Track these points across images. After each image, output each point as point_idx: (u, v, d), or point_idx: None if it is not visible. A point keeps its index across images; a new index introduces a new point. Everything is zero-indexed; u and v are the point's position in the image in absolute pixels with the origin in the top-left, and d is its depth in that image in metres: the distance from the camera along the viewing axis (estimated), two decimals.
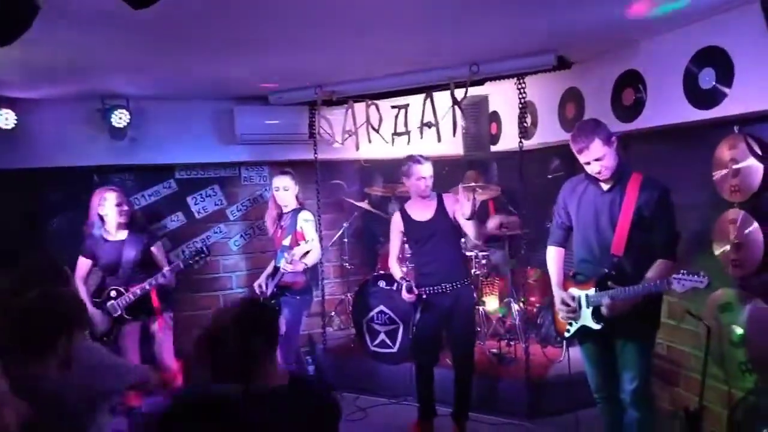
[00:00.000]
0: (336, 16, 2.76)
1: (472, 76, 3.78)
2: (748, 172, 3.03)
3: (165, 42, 3.06)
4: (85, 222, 3.95)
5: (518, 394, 4.18)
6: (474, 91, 4.17)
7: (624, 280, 2.81)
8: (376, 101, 4.30)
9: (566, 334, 3.10)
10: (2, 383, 1.57)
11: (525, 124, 4.12)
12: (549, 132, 4.35)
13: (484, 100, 4.96)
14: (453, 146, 4.56)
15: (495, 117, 4.98)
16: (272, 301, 4.06)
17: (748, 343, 3.10)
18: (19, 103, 4.26)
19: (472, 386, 3.85)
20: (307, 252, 3.87)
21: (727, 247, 3.17)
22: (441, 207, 3.74)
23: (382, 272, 4.84)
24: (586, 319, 2.94)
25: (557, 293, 3.07)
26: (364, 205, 5.29)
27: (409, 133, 4.27)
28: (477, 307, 4.54)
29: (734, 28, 2.82)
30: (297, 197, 4.16)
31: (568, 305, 2.98)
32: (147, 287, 3.79)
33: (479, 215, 3.93)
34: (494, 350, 4.57)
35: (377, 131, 4.32)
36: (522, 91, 4.05)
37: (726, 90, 2.90)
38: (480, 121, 4.92)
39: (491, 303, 4.99)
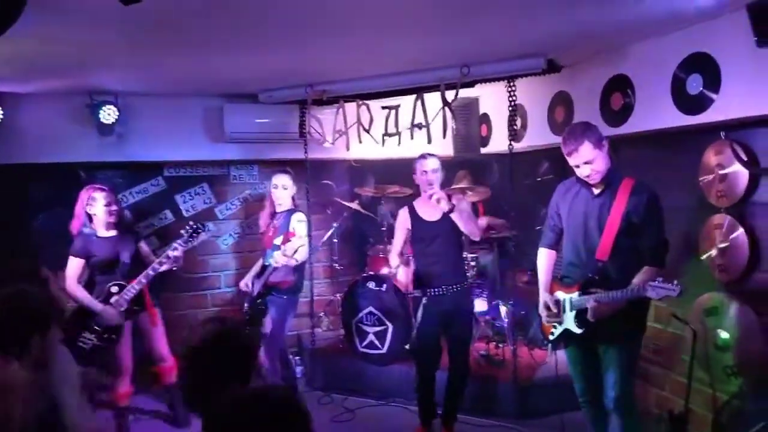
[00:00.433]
0: (327, 16, 2.75)
1: (463, 78, 3.79)
2: (734, 178, 3.06)
3: (154, 39, 3.04)
4: (70, 220, 3.88)
5: (506, 395, 4.19)
6: (465, 93, 4.19)
7: (608, 285, 2.80)
8: (366, 101, 4.30)
9: (550, 337, 3.11)
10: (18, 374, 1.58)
11: (515, 127, 4.14)
12: (538, 135, 4.37)
13: (474, 102, 4.97)
14: (443, 147, 4.56)
15: (485, 119, 4.99)
16: (258, 301, 4.05)
17: (736, 347, 3.13)
18: (5, 97, 4.22)
19: (464, 390, 3.86)
20: (297, 248, 3.86)
21: (713, 252, 3.20)
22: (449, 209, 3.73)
23: (371, 273, 4.83)
24: (569, 322, 2.95)
25: (542, 296, 3.08)
26: (354, 205, 5.29)
27: (399, 133, 4.27)
28: (473, 310, 4.55)
29: (721, 34, 2.85)
30: (293, 198, 4.15)
31: (549, 309, 3.00)
32: (151, 273, 3.73)
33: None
34: (483, 352, 4.58)
35: (368, 131, 4.32)
36: (512, 93, 4.07)
37: (713, 96, 2.93)
38: (470, 123, 4.93)
39: (480, 305, 5.00)
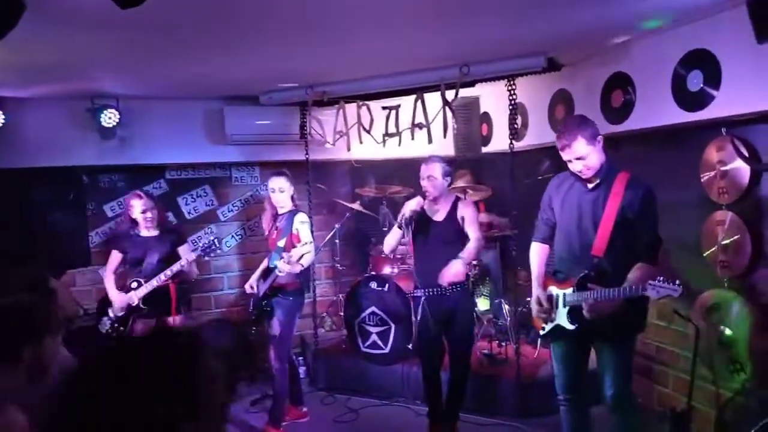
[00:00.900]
0: (327, 17, 2.75)
1: (463, 78, 3.78)
2: (735, 174, 3.06)
3: (154, 42, 3.05)
4: (72, 223, 4.11)
5: (509, 394, 4.19)
6: (465, 92, 4.18)
7: (603, 282, 2.76)
8: (367, 102, 4.30)
9: (541, 332, 3.07)
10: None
11: (515, 126, 4.13)
12: (539, 133, 4.37)
13: (475, 102, 4.97)
14: (444, 147, 4.56)
15: (486, 118, 4.99)
16: (264, 302, 4.05)
17: (739, 343, 3.12)
18: (7, 102, 4.23)
19: (466, 389, 3.85)
20: (303, 254, 3.87)
21: (715, 249, 3.20)
22: (453, 210, 3.74)
23: (373, 273, 4.84)
24: (561, 318, 2.91)
25: (536, 291, 3.03)
26: (356, 206, 5.29)
27: (400, 134, 4.27)
28: (474, 311, 4.55)
29: (722, 31, 2.84)
30: (293, 198, 4.15)
31: (541, 305, 2.96)
32: (163, 277, 3.90)
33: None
34: (485, 351, 4.58)
35: (368, 132, 4.32)
36: (512, 92, 4.06)
37: (714, 92, 2.92)
38: (471, 123, 4.93)
39: (482, 304, 5.01)
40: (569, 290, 2.88)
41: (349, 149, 4.46)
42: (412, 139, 4.20)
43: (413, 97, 4.06)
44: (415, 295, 3.78)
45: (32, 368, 1.85)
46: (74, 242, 4.75)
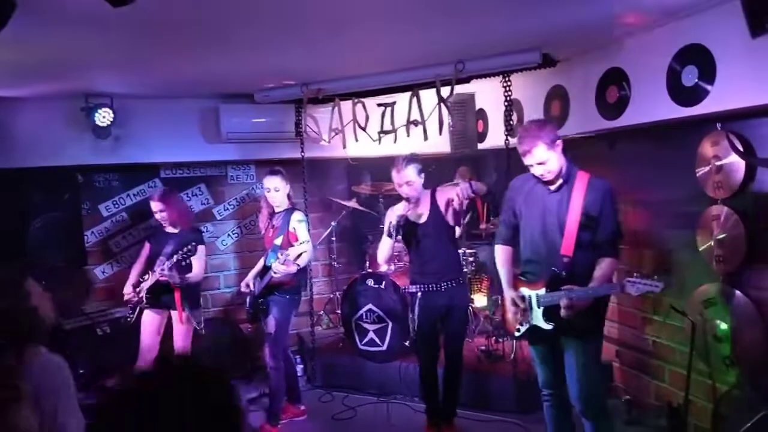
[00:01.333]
0: (322, 14, 2.75)
1: (458, 74, 3.78)
2: (730, 169, 3.07)
3: (148, 40, 3.03)
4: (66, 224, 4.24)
5: (506, 390, 4.20)
6: (460, 89, 4.17)
7: (573, 280, 2.81)
8: (362, 99, 4.29)
9: (516, 334, 3.09)
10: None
11: (511, 122, 4.13)
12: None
13: (470, 98, 4.96)
14: (440, 144, 4.56)
15: (481, 115, 4.99)
16: (260, 300, 4.05)
17: (734, 337, 3.14)
18: (0, 101, 4.20)
19: (461, 383, 3.87)
20: (300, 253, 3.86)
21: (711, 243, 3.20)
22: (435, 206, 3.71)
23: (370, 271, 4.84)
24: (537, 319, 2.93)
25: (508, 293, 3.04)
26: (352, 203, 5.28)
27: (395, 131, 4.26)
28: (469, 305, 4.55)
29: (716, 26, 2.84)
30: (289, 196, 4.14)
31: (517, 306, 2.97)
32: (150, 275, 4.05)
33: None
34: (482, 347, 4.58)
35: (364, 129, 4.31)
36: (508, 88, 4.06)
37: (708, 87, 2.92)
38: (467, 119, 4.92)
39: (479, 300, 5.02)
40: (541, 291, 2.90)
41: (344, 147, 4.45)
42: (408, 136, 4.19)
43: (409, 93, 4.05)
44: (411, 291, 3.78)
45: (9, 375, 1.85)
46: (70, 242, 4.74)
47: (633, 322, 4.11)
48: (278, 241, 4.01)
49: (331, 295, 5.65)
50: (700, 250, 3.29)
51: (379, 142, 4.40)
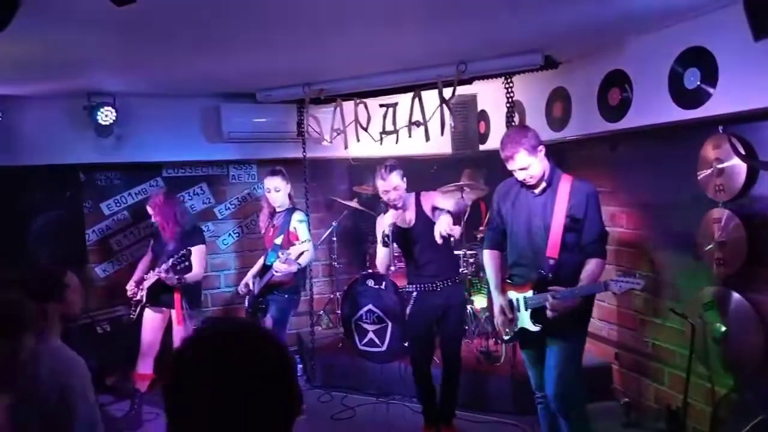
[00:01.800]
0: (324, 14, 2.75)
1: (460, 75, 3.78)
2: (732, 172, 3.06)
3: (151, 39, 3.04)
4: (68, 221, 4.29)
5: (505, 391, 4.20)
6: (462, 90, 4.17)
7: (560, 281, 2.84)
8: (364, 100, 4.30)
9: (505, 337, 3.12)
10: None
11: (513, 123, 4.13)
12: (537, 131, 4.33)
13: (472, 99, 4.96)
14: (441, 145, 4.56)
15: (483, 116, 4.98)
16: (260, 300, 4.05)
17: (734, 340, 3.13)
18: (2, 99, 4.21)
19: (459, 383, 3.86)
20: (302, 252, 3.87)
21: (712, 246, 3.20)
22: (420, 210, 3.73)
23: (370, 271, 4.84)
24: (525, 321, 2.96)
25: (496, 300, 3.08)
26: (353, 203, 5.29)
27: (397, 131, 4.27)
28: (466, 305, 4.55)
29: (718, 28, 2.84)
30: (290, 196, 4.15)
31: (504, 313, 3.00)
32: (151, 274, 4.08)
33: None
34: (481, 348, 4.58)
35: (366, 130, 4.32)
36: (510, 90, 4.06)
37: (710, 90, 2.92)
38: (468, 120, 4.92)
39: (479, 301, 5.01)
40: (529, 293, 2.93)
41: (346, 147, 4.45)
42: (410, 136, 4.20)
43: (411, 94, 4.06)
44: (408, 290, 3.78)
45: (7, 361, 1.88)
46: (71, 240, 4.75)
47: (632, 324, 4.11)
48: (278, 241, 4.01)
49: (332, 295, 5.65)
50: (700, 252, 3.29)
51: (381, 143, 4.41)
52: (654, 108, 3.29)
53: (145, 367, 4.24)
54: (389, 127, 4.30)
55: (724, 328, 3.16)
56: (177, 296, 4.09)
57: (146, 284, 4.12)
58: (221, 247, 5.43)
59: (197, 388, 1.01)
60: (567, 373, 2.91)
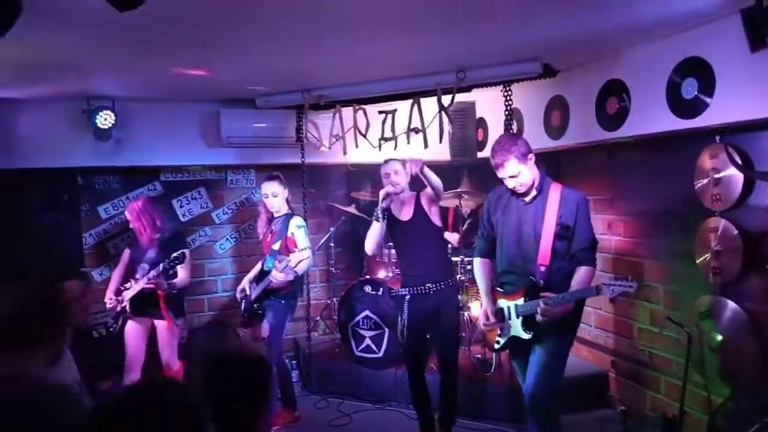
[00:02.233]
0: (324, 21, 2.76)
1: (459, 83, 3.80)
2: (728, 181, 3.08)
3: (151, 44, 3.05)
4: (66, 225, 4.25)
5: (502, 399, 4.19)
6: (461, 97, 4.20)
7: (551, 289, 2.85)
8: (363, 106, 4.31)
9: (496, 346, 3.12)
10: None
11: (511, 131, 4.15)
12: (535, 139, 4.35)
13: (471, 107, 4.98)
14: (440, 152, 4.58)
15: (481, 123, 5.01)
16: (256, 305, 4.05)
17: (730, 349, 3.14)
18: (2, 102, 4.21)
19: (457, 390, 3.84)
20: (301, 260, 3.87)
21: (708, 255, 3.21)
22: (419, 206, 3.74)
23: (368, 277, 4.84)
24: (516, 329, 2.96)
25: (484, 305, 3.09)
26: (351, 209, 5.29)
27: (396, 138, 4.28)
28: (462, 312, 4.55)
29: (716, 39, 2.87)
30: (287, 201, 4.15)
31: (488, 318, 3.02)
32: (132, 283, 3.99)
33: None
34: (478, 356, 4.58)
35: (364, 136, 4.33)
36: (508, 98, 4.08)
37: (708, 100, 2.94)
38: (467, 127, 4.94)
39: (476, 308, 5.01)
40: (520, 301, 2.93)
41: (345, 153, 4.47)
42: (408, 143, 4.21)
43: (410, 101, 4.07)
44: (400, 294, 3.78)
45: (52, 354, 1.91)
46: (68, 243, 4.73)
47: (629, 332, 4.12)
48: (276, 246, 4.01)
49: (329, 301, 5.64)
50: (697, 261, 3.30)
51: (380, 149, 4.42)
52: (651, 117, 3.31)
53: (132, 377, 4.15)
54: (388, 133, 4.31)
55: (720, 337, 3.17)
56: (163, 305, 4.01)
57: (129, 294, 4.04)
58: (219, 251, 5.43)
59: None
60: (547, 375, 2.91)
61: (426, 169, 3.52)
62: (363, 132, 4.31)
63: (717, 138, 3.12)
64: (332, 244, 5.46)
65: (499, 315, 3.03)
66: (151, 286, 3.95)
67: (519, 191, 2.94)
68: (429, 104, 4.01)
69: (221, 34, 2.94)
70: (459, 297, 4.25)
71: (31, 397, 1.60)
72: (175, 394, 1.24)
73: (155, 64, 3.53)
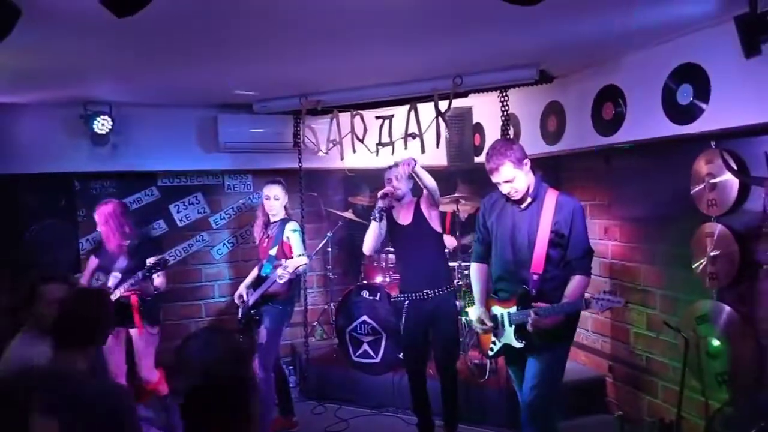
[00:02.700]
0: (321, 27, 2.77)
1: (456, 88, 3.81)
2: (724, 187, 3.09)
3: (148, 49, 3.05)
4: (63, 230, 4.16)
5: (498, 404, 4.19)
6: (458, 102, 4.21)
7: (545, 297, 2.83)
8: (360, 111, 4.32)
9: (490, 353, 3.11)
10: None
11: (508, 136, 4.16)
12: (531, 144, 4.38)
13: (468, 112, 4.99)
14: (437, 157, 4.58)
15: (478, 128, 5.01)
16: (253, 311, 4.04)
17: (727, 354, 3.14)
18: None
19: (458, 394, 3.84)
20: (300, 265, 3.88)
21: (704, 260, 3.22)
22: (418, 211, 3.76)
23: (365, 282, 4.84)
24: (509, 338, 2.95)
25: (478, 310, 3.07)
26: (348, 214, 5.30)
27: (393, 143, 4.29)
28: (460, 317, 4.55)
29: (711, 45, 2.88)
30: (285, 207, 4.15)
31: (483, 323, 3.00)
32: (112, 290, 3.82)
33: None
34: (476, 361, 4.58)
35: (362, 141, 4.34)
36: (505, 103, 4.09)
37: (703, 106, 2.96)
38: (464, 133, 4.94)
39: (473, 313, 5.00)
40: (513, 309, 2.92)
41: (342, 158, 4.47)
42: (405, 148, 4.21)
43: (407, 107, 4.08)
44: (399, 299, 3.78)
45: (93, 354, 2.05)
46: (64, 248, 4.73)
47: (626, 337, 4.12)
48: (273, 251, 4.01)
49: (326, 306, 5.64)
50: (693, 266, 3.31)
51: (377, 155, 4.42)
52: (647, 123, 3.32)
53: None
54: (385, 138, 4.32)
55: (717, 342, 3.18)
56: (136, 314, 3.89)
57: None
58: (216, 256, 5.42)
59: None
60: (543, 390, 2.89)
61: (419, 168, 3.54)
62: (360, 137, 4.32)
63: (712, 143, 3.14)
64: (329, 249, 5.46)
65: (494, 321, 3.02)
66: (127, 294, 3.83)
67: (514, 197, 2.91)
68: (426, 109, 4.02)
69: (219, 41, 2.95)
70: (458, 303, 4.25)
71: (101, 392, 1.83)
72: None
73: (153, 69, 3.53)
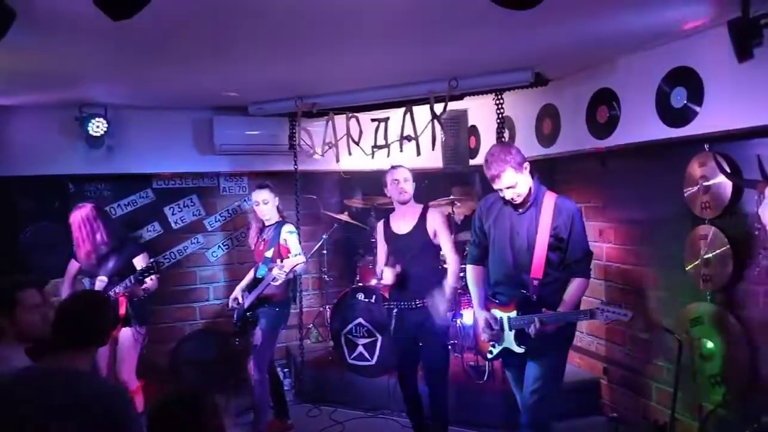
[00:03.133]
0: (317, 30, 2.78)
1: (452, 91, 3.82)
2: (717, 189, 3.11)
3: (143, 52, 3.05)
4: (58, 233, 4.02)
5: (495, 407, 4.19)
6: (453, 105, 4.22)
7: (544, 301, 2.82)
8: (356, 114, 4.33)
9: (489, 356, 3.09)
10: None
11: (503, 139, 4.17)
12: (526, 146, 4.37)
13: (463, 115, 5.00)
14: (432, 159, 4.60)
15: (474, 131, 5.03)
16: (248, 314, 4.03)
17: (721, 356, 3.16)
18: None
19: (446, 402, 3.77)
20: (297, 265, 3.86)
21: (698, 262, 3.24)
22: (422, 221, 3.67)
23: (360, 285, 4.84)
24: (509, 342, 2.93)
25: (480, 315, 3.02)
26: (344, 217, 5.30)
27: (388, 146, 4.29)
28: (454, 320, 4.55)
29: (704, 49, 2.91)
30: (278, 209, 4.13)
31: (492, 328, 2.95)
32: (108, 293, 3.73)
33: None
34: (471, 363, 4.58)
35: (357, 144, 4.35)
36: (500, 106, 4.11)
37: (697, 109, 2.98)
38: (459, 135, 4.96)
39: (468, 316, 5.01)
40: (513, 313, 2.90)
41: (338, 160, 4.48)
42: (401, 151, 4.23)
43: (402, 109, 4.09)
44: (389, 307, 3.76)
45: (94, 353, 2.08)
46: (58, 251, 4.70)
47: (621, 339, 4.13)
48: (269, 254, 4.00)
49: (321, 309, 5.63)
50: (687, 268, 3.33)
51: (372, 157, 4.43)
52: (641, 126, 3.34)
53: None
54: (381, 141, 4.32)
55: (710, 344, 3.19)
56: (122, 312, 3.79)
57: None
58: (211, 259, 5.41)
59: None
60: (543, 395, 2.88)
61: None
62: (356, 140, 4.33)
63: (706, 146, 3.16)
64: (325, 252, 5.46)
65: (497, 324, 2.98)
66: (116, 297, 3.74)
67: (516, 202, 2.87)
68: (421, 112, 4.03)
69: (215, 44, 2.95)
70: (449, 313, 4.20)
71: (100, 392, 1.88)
72: None
73: (148, 73, 3.53)
